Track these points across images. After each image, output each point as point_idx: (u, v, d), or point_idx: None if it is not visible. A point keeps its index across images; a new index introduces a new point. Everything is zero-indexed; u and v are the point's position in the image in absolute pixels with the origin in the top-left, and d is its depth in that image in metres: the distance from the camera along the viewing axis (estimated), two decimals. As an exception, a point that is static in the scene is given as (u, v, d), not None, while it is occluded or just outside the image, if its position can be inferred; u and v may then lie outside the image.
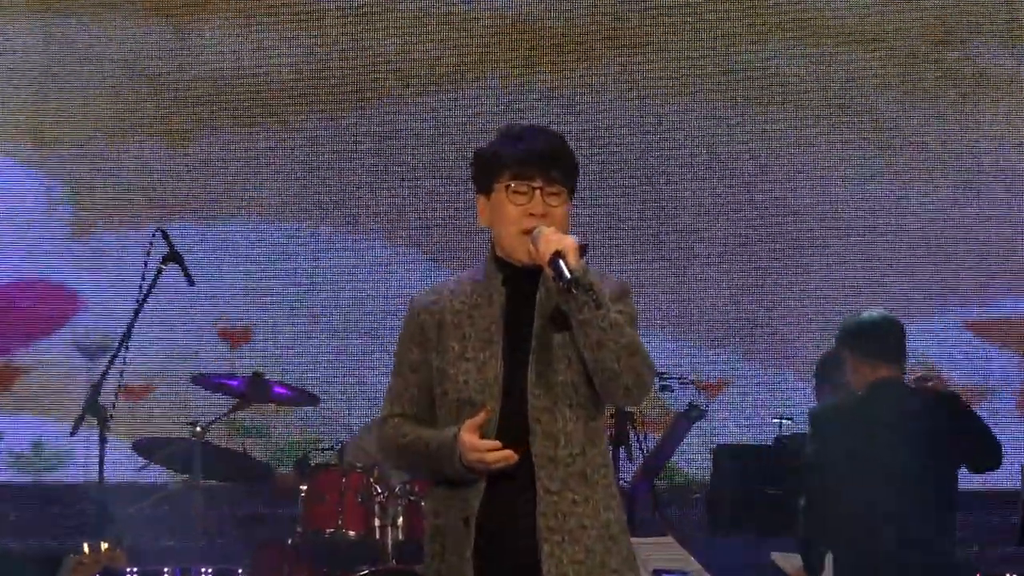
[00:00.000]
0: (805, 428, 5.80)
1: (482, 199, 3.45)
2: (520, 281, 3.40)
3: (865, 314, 5.56)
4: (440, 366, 3.41)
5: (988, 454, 5.33)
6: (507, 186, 3.38)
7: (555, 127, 3.79)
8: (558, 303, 3.32)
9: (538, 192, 3.37)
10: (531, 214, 3.36)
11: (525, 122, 3.84)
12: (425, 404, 3.45)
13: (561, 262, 3.24)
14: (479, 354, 3.38)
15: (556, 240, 3.28)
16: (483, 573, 3.35)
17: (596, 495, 3.40)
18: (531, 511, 3.32)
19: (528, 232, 3.33)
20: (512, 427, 3.34)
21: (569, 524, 3.35)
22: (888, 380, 5.23)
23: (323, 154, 8.11)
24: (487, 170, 3.44)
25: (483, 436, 3.30)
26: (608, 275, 3.48)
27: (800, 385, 7.21)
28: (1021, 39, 7.74)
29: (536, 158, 3.38)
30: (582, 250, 3.32)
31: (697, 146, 7.89)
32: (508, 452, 3.27)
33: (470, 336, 3.40)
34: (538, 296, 3.38)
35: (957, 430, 5.25)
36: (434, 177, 7.94)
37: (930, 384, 5.73)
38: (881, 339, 5.33)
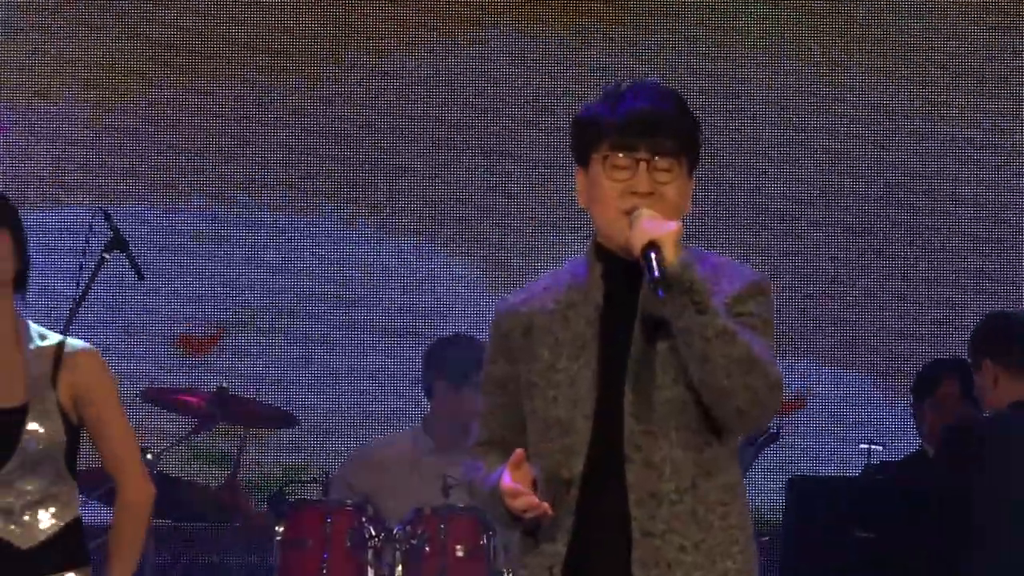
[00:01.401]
0: (897, 455, 5.75)
1: (580, 173, 3.11)
2: (622, 274, 3.04)
3: (1011, 313, 5.41)
4: (529, 379, 3.09)
5: None
6: (605, 157, 3.01)
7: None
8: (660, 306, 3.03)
9: (643, 165, 2.98)
10: (633, 192, 2.98)
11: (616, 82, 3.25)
12: (519, 427, 3.13)
13: (653, 256, 2.86)
14: (572, 364, 3.06)
15: (651, 228, 2.89)
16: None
17: (712, 539, 3.01)
18: (627, 559, 2.99)
19: (629, 214, 2.98)
20: (606, 455, 3.01)
21: (675, 575, 3.00)
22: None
23: (305, 125, 7.51)
24: (584, 138, 3.07)
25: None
26: (742, 266, 3.12)
27: (894, 404, 6.87)
28: None
29: (640, 123, 2.99)
30: None
31: (772, 119, 7.44)
32: (539, 504, 2.97)
33: (563, 342, 3.07)
34: (641, 294, 3.01)
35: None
36: (442, 152, 7.40)
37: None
38: (1031, 346, 5.19)
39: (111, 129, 7.49)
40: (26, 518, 3.87)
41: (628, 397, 2.97)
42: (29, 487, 3.85)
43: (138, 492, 4.06)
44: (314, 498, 6.06)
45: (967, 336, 5.44)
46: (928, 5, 7.43)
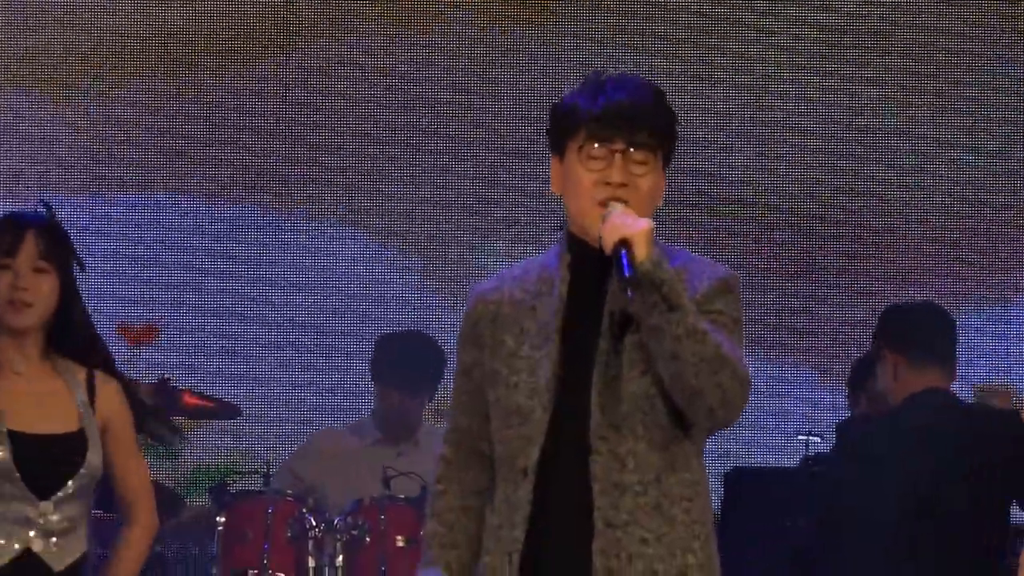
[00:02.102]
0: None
1: (556, 161, 3.13)
2: (591, 265, 3.04)
3: (913, 304, 5.36)
4: (492, 366, 3.12)
5: None
6: (581, 147, 3.02)
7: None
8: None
9: (618, 156, 3.00)
10: (607, 183, 3.00)
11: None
12: (483, 414, 3.15)
13: (624, 254, 2.85)
14: (535, 352, 3.07)
15: (623, 226, 2.89)
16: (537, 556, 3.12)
17: (674, 533, 3.07)
18: (588, 549, 3.02)
19: (603, 205, 2.99)
20: (570, 446, 3.04)
21: (636, 567, 3.02)
22: (936, 390, 4.78)
23: (245, 116, 7.47)
24: (562, 126, 3.10)
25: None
26: (710, 263, 3.14)
27: (832, 395, 6.88)
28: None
29: (618, 115, 3.02)
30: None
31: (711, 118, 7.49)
32: None
33: (528, 331, 3.09)
34: (610, 287, 3.01)
35: (1018, 458, 4.82)
36: (392, 140, 7.40)
37: (991, 397, 5.63)
38: (932, 337, 4.89)
39: (51, 118, 7.42)
40: (63, 541, 3.96)
41: (595, 389, 2.99)
42: (72, 512, 3.95)
43: (154, 523, 4.17)
44: (256, 489, 6.04)
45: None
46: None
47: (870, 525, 4.77)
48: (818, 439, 6.35)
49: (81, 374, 3.96)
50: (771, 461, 7.12)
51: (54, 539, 3.94)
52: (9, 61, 7.41)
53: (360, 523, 5.64)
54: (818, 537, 5.34)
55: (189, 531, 6.46)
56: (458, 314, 3.40)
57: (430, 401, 6.87)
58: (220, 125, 7.48)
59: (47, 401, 4.00)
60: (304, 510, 5.71)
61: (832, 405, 6.88)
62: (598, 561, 2.97)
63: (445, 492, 3.21)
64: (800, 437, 6.50)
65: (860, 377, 5.71)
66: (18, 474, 3.90)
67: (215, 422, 7.02)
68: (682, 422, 3.01)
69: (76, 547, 4.04)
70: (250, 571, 5.70)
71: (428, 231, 7.62)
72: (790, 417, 7.16)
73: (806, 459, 6.30)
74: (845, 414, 5.95)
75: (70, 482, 3.95)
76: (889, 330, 4.90)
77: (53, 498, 3.89)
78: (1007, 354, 7.29)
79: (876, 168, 7.44)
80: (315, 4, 7.52)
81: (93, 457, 3.90)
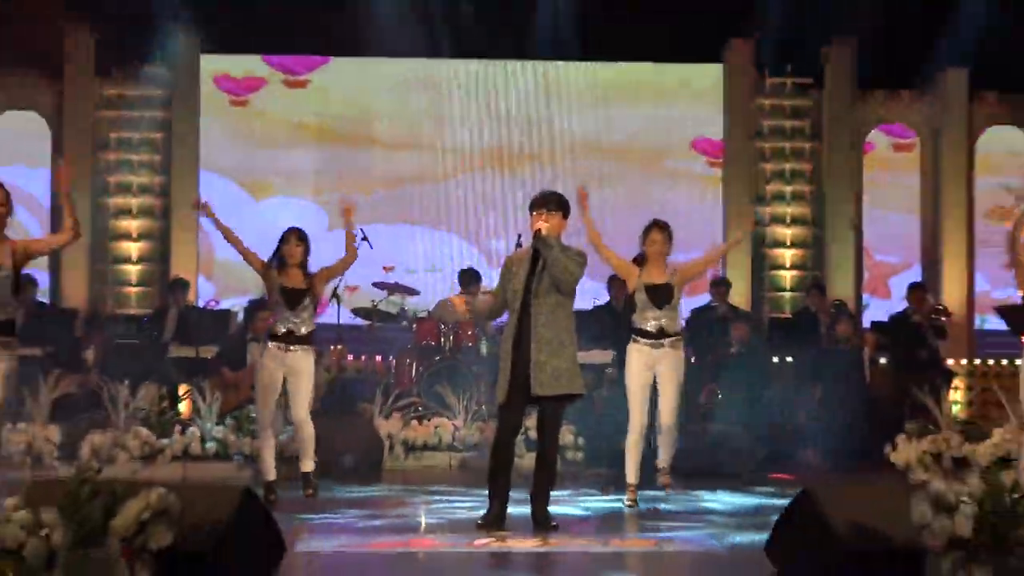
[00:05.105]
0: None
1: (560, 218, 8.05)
2: (536, 250, 7.99)
3: None
4: (508, 276, 8.07)
5: None
6: (531, 215, 8.08)
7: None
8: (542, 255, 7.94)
9: (541, 214, 8.04)
10: (538, 226, 7.97)
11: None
12: (504, 289, 8.11)
13: (542, 235, 7.96)
14: (520, 273, 7.98)
15: (542, 229, 7.98)
16: (517, 355, 7.82)
17: (561, 334, 7.84)
18: (530, 340, 7.82)
19: (539, 230, 7.93)
20: (526, 304, 7.84)
21: (548, 337, 7.83)
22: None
23: None
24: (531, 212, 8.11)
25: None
26: (576, 247, 8.04)
27: None
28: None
29: (538, 202, 8.07)
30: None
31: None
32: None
33: (518, 271, 8.00)
34: (540, 254, 7.95)
35: None
36: None
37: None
38: None
39: None
40: None
41: (533, 289, 7.90)
42: None
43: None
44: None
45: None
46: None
47: None
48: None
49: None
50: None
51: None
52: None
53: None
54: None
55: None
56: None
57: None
58: None
59: None
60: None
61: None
62: (537, 334, 7.82)
63: (491, 297, 8.51)
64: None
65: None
66: None
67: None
68: (559, 291, 7.83)
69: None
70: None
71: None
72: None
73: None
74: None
75: None
76: None
77: None
78: None
79: None
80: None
81: None
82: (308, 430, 9.22)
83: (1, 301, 7.46)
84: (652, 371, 8.97)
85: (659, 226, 8.99)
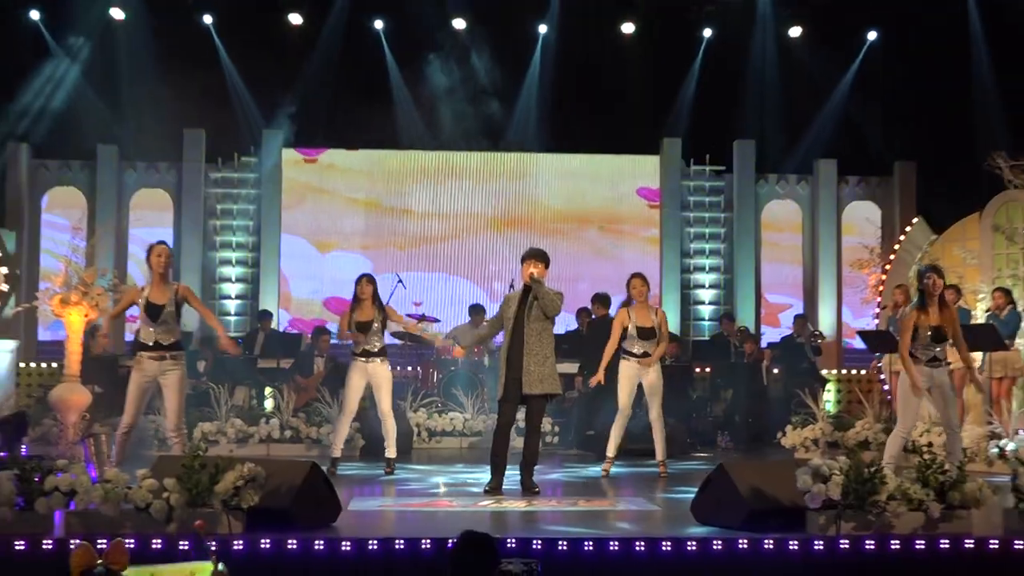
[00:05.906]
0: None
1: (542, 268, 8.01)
2: (528, 289, 7.92)
3: None
4: (505, 313, 8.03)
5: None
6: (523, 264, 8.04)
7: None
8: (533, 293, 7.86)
9: (531, 264, 8.00)
10: (531, 272, 7.94)
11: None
12: (502, 318, 8.11)
13: (534, 279, 7.93)
14: (513, 308, 7.96)
15: (534, 274, 7.94)
16: (512, 364, 7.82)
17: (546, 353, 7.84)
18: (523, 349, 7.81)
19: (532, 274, 7.90)
20: (519, 333, 7.81)
21: (536, 351, 7.80)
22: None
23: None
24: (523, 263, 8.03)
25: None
26: (557, 290, 7.95)
27: None
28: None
29: (529, 257, 8.01)
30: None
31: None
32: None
33: (512, 307, 7.97)
34: (531, 292, 7.87)
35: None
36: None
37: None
38: None
39: None
40: None
41: (526, 319, 7.85)
42: None
43: None
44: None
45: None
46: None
47: None
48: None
49: None
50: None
51: None
52: None
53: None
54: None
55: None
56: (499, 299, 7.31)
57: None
58: None
59: None
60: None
61: None
62: (527, 358, 7.79)
63: (489, 327, 8.38)
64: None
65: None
66: None
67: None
68: (546, 317, 7.80)
69: None
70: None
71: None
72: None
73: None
74: None
75: None
76: None
77: None
78: None
79: None
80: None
81: None
82: (390, 423, 9.07)
83: (170, 328, 7.39)
84: (638, 380, 8.91)
85: (639, 276, 8.89)
